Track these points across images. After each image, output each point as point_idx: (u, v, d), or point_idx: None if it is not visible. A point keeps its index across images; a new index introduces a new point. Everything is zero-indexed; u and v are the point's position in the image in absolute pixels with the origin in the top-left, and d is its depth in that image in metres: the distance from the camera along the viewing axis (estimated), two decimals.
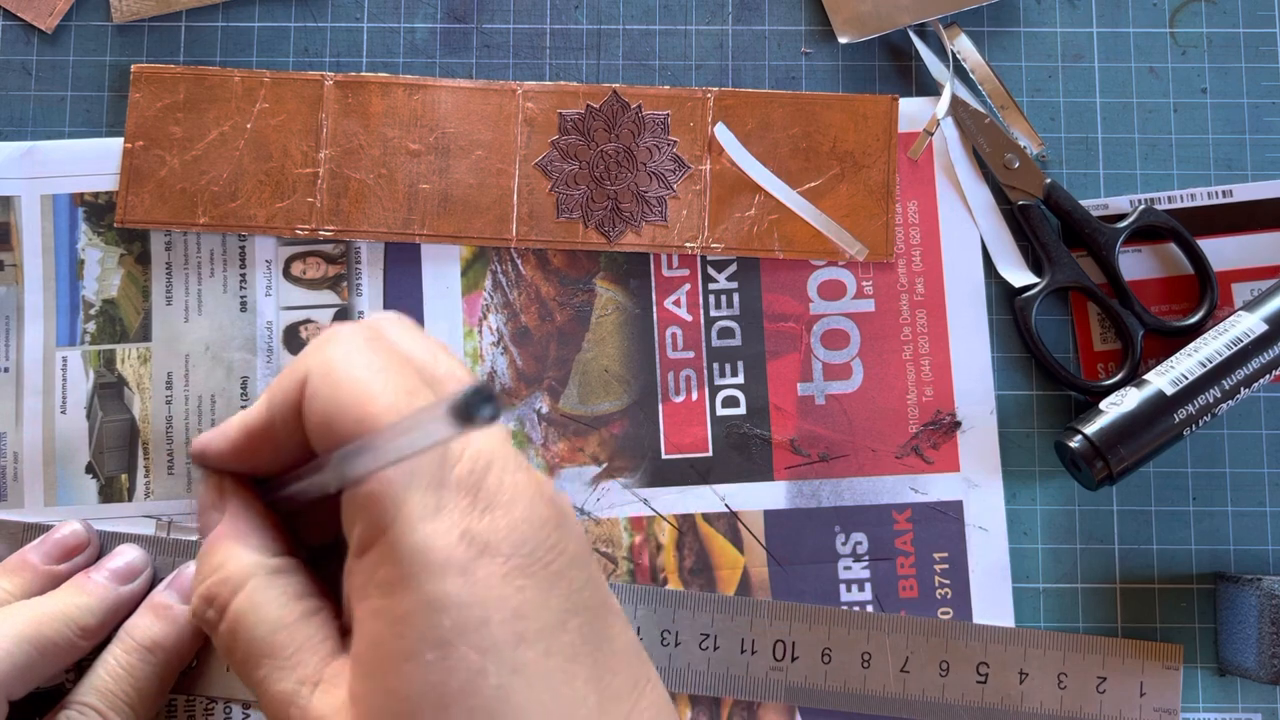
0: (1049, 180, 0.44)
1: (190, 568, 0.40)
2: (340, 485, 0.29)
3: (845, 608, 0.43)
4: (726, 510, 0.43)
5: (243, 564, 0.31)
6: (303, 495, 0.31)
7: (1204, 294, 0.44)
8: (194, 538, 0.42)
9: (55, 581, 0.40)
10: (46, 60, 0.45)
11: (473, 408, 0.22)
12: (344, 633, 0.30)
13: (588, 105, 0.45)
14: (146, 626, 0.39)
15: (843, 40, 0.45)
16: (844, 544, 0.43)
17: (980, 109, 0.45)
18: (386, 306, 0.44)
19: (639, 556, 0.43)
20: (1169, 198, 0.45)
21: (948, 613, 0.43)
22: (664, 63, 0.46)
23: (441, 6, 0.46)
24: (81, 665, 0.39)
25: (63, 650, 0.37)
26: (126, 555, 0.41)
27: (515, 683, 0.26)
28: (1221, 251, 0.44)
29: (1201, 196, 0.45)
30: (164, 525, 0.43)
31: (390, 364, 0.29)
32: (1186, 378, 0.41)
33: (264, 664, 0.29)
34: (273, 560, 0.31)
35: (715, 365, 0.44)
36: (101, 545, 0.42)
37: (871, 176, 0.44)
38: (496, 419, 0.23)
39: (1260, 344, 0.41)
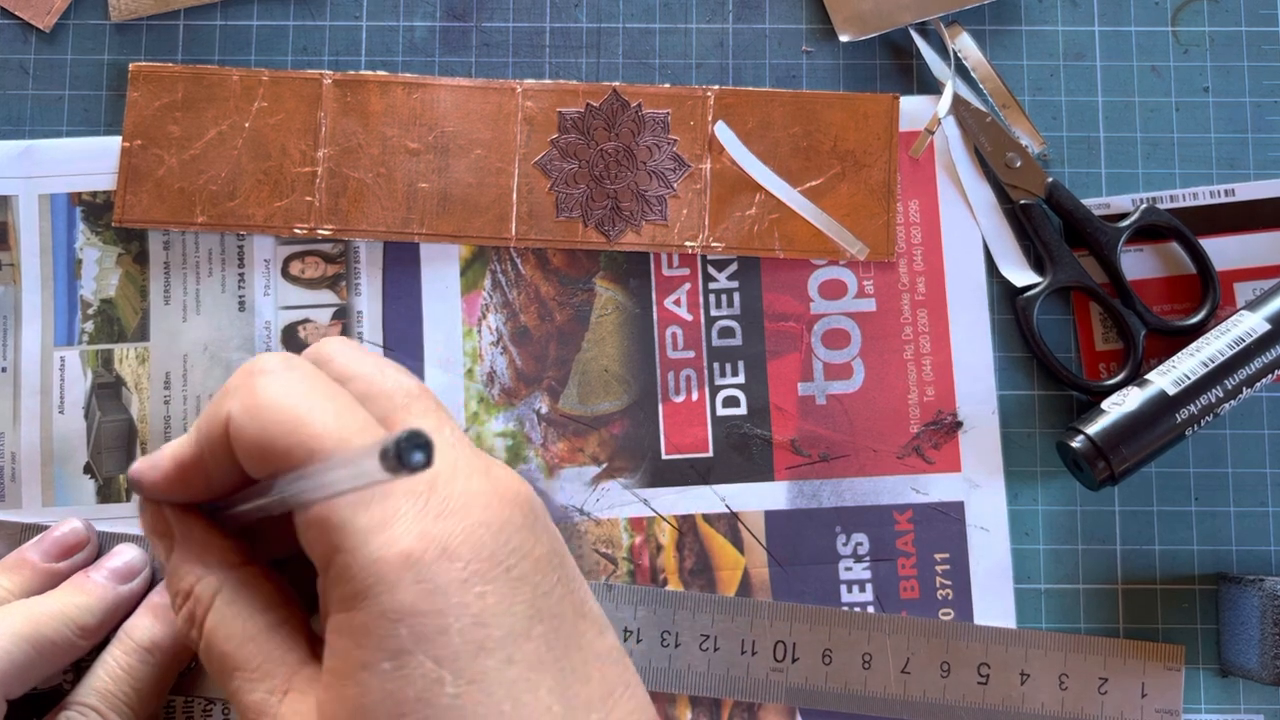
0: (1051, 179, 0.44)
1: None
2: (284, 510, 0.29)
3: (846, 609, 0.43)
4: (727, 511, 0.43)
5: (208, 582, 0.31)
6: (249, 517, 0.31)
7: (1206, 293, 0.44)
8: None
9: (54, 580, 0.40)
10: (44, 59, 0.45)
11: (404, 453, 0.22)
12: (316, 640, 0.30)
13: (587, 104, 0.44)
14: (146, 627, 0.39)
15: (843, 39, 0.45)
16: (845, 545, 0.43)
17: (982, 108, 0.45)
18: (385, 306, 0.44)
19: (639, 557, 0.43)
20: (1171, 197, 0.45)
21: (949, 614, 0.43)
22: (664, 61, 0.45)
23: (441, 5, 0.46)
24: (80, 666, 0.39)
25: (61, 649, 0.37)
26: (126, 555, 0.40)
27: (473, 692, 0.26)
28: (1224, 251, 0.44)
29: (1204, 195, 0.45)
30: None
31: (315, 389, 0.29)
32: (1189, 377, 0.41)
33: (235, 676, 0.30)
34: (237, 573, 0.31)
35: (715, 365, 0.44)
36: (100, 545, 0.41)
37: (872, 175, 0.44)
38: (429, 464, 0.22)
39: (1262, 344, 0.41)
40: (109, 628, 0.39)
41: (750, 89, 0.45)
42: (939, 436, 0.44)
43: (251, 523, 0.32)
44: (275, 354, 0.31)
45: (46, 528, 0.41)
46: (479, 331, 0.44)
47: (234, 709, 0.30)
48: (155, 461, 0.32)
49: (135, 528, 0.42)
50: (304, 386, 0.29)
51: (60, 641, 0.37)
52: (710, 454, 0.44)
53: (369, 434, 0.29)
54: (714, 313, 0.44)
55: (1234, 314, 0.42)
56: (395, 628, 0.26)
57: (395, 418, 0.30)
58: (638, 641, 0.42)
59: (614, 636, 0.30)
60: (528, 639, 0.27)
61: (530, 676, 0.27)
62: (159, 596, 0.40)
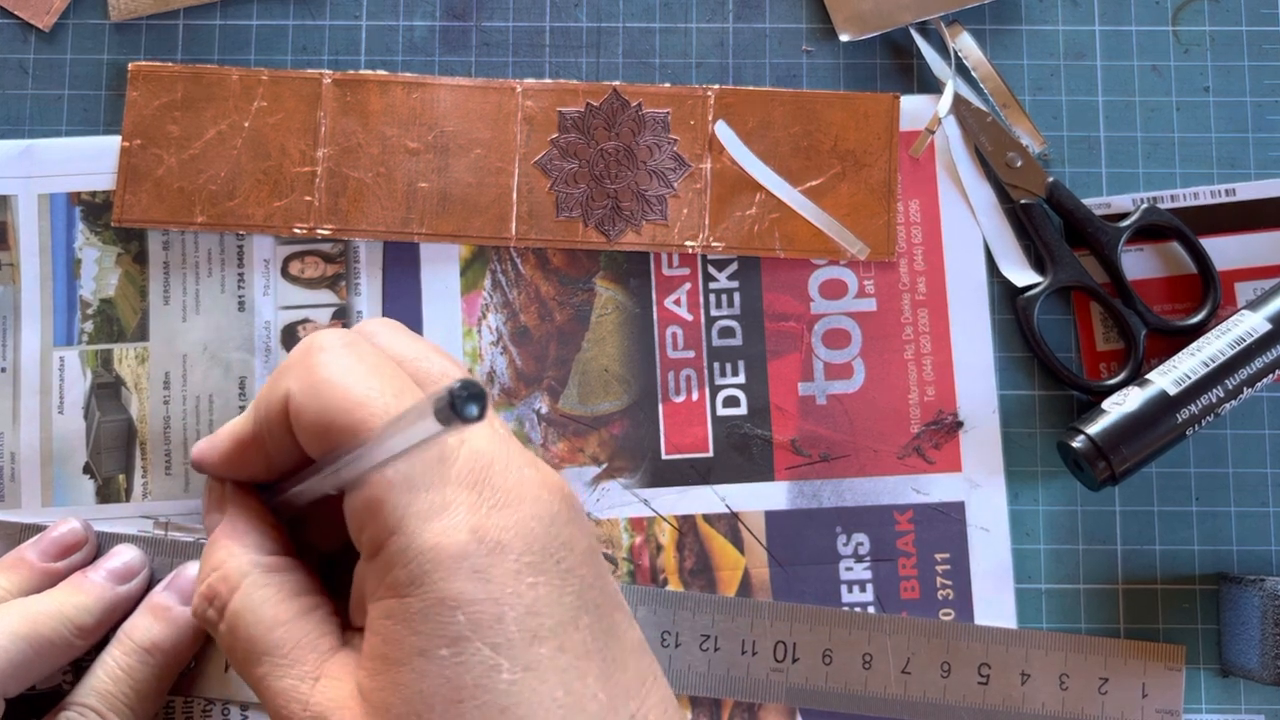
0: (1051, 179, 0.44)
1: (189, 568, 0.40)
2: (338, 488, 0.29)
3: (846, 609, 0.43)
4: (727, 511, 0.43)
5: (240, 563, 0.31)
6: (302, 498, 0.31)
7: (1207, 293, 0.44)
8: (192, 539, 0.42)
9: (52, 579, 0.40)
10: (44, 59, 0.45)
11: (458, 404, 0.22)
12: (344, 629, 0.30)
13: (587, 103, 0.44)
14: (145, 627, 0.39)
15: (844, 38, 0.45)
16: (845, 545, 0.43)
17: (982, 107, 0.44)
18: (385, 306, 0.44)
19: (639, 557, 0.43)
20: (1172, 196, 0.45)
21: (949, 614, 0.43)
22: (664, 61, 0.45)
23: (440, 4, 0.45)
24: (80, 666, 0.39)
25: (59, 649, 0.37)
26: (124, 555, 0.40)
27: (528, 679, 0.27)
28: (1224, 251, 0.44)
29: (1204, 195, 0.45)
30: (162, 525, 0.42)
31: (375, 367, 0.29)
32: (1189, 377, 0.41)
33: (263, 661, 0.29)
34: (269, 559, 0.32)
35: (716, 365, 0.44)
36: (99, 545, 0.41)
37: (873, 175, 0.44)
38: (483, 416, 0.23)
39: (1263, 343, 0.41)
40: (106, 628, 0.39)
41: (750, 88, 0.45)
42: (939, 436, 0.44)
43: (301, 509, 0.32)
44: (333, 330, 0.31)
45: (45, 528, 0.41)
46: (479, 331, 0.44)
47: (260, 696, 0.30)
48: (215, 441, 0.33)
49: (134, 528, 0.42)
50: (364, 364, 0.29)
51: (58, 641, 0.37)
52: (710, 454, 0.44)
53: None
54: (714, 313, 0.44)
55: (1235, 314, 0.42)
56: (453, 614, 0.27)
57: None
58: None
59: (639, 627, 0.31)
60: (576, 629, 0.28)
61: (579, 665, 0.28)
62: (159, 597, 0.39)
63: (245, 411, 0.32)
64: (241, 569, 0.31)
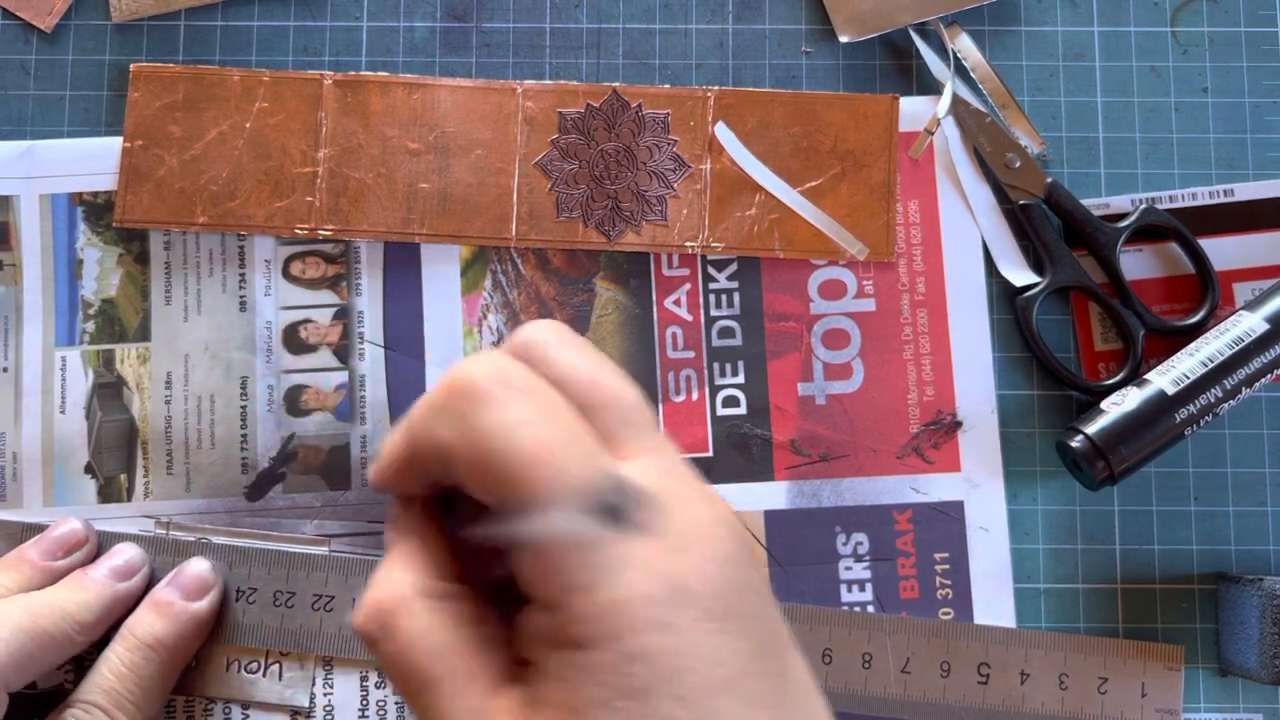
0: (1050, 179, 0.44)
1: (191, 565, 0.41)
2: (505, 543, 0.28)
3: (846, 609, 0.43)
4: None
5: (412, 585, 0.30)
6: (477, 539, 0.31)
7: (1205, 293, 0.44)
8: (193, 538, 0.42)
9: (53, 578, 0.40)
10: (45, 59, 0.45)
11: (623, 513, 0.22)
12: (513, 662, 0.29)
13: (588, 104, 0.44)
14: (149, 624, 0.39)
15: (843, 39, 0.45)
16: (845, 544, 0.43)
17: (981, 108, 0.45)
18: (386, 307, 0.44)
19: None
20: (1170, 197, 0.45)
21: (949, 613, 0.43)
22: (664, 62, 0.45)
23: (441, 5, 0.46)
24: (82, 666, 0.39)
25: (59, 644, 0.37)
26: (126, 553, 0.41)
27: None
28: (1223, 251, 0.44)
29: (1203, 196, 0.45)
30: (163, 525, 0.42)
31: (538, 415, 0.28)
32: (1188, 377, 0.41)
33: (430, 689, 0.28)
34: (442, 584, 0.30)
35: (715, 365, 0.44)
36: (100, 545, 0.41)
37: (872, 176, 0.44)
38: (635, 519, 0.22)
39: (1261, 344, 0.41)
40: (107, 625, 0.39)
41: (750, 89, 0.45)
42: (939, 436, 0.44)
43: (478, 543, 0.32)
44: (486, 365, 0.28)
45: (46, 527, 0.41)
46: (479, 331, 0.44)
47: None
48: (385, 463, 0.31)
49: (135, 527, 0.42)
50: (526, 414, 0.27)
51: (58, 636, 0.37)
52: (710, 454, 0.44)
53: (591, 468, 0.27)
54: (714, 313, 0.44)
55: (1233, 314, 0.42)
56: (635, 666, 0.26)
57: (619, 438, 0.29)
58: None
59: (804, 660, 0.30)
60: (755, 676, 0.27)
61: (758, 714, 0.27)
62: (162, 593, 0.40)
63: (398, 433, 0.31)
64: (413, 591, 0.30)
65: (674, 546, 0.27)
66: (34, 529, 0.42)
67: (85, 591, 0.39)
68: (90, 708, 0.37)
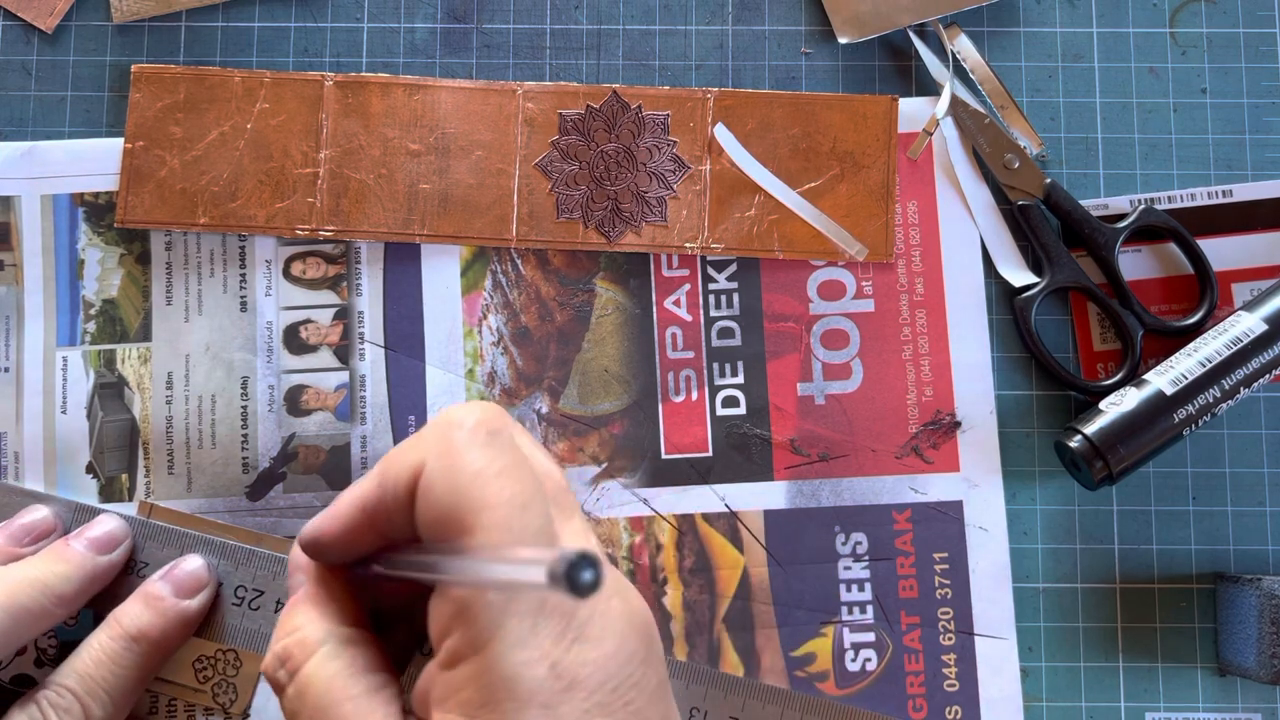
0: (1049, 180, 0.44)
1: (187, 561, 0.40)
2: (431, 582, 0.28)
3: (845, 608, 0.43)
4: (726, 510, 0.43)
5: (318, 630, 0.31)
6: (391, 576, 0.31)
7: (1204, 294, 0.44)
8: (193, 531, 0.42)
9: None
10: (46, 60, 0.45)
11: (575, 576, 0.22)
12: (406, 711, 0.30)
13: (588, 105, 0.45)
14: (135, 615, 0.38)
15: (842, 40, 0.45)
16: (844, 544, 0.43)
17: (980, 109, 0.45)
18: (386, 307, 0.44)
19: (639, 556, 0.43)
20: (1169, 198, 0.45)
21: (948, 612, 0.43)
22: (664, 63, 0.46)
23: (441, 6, 0.46)
24: (62, 656, 0.39)
25: (37, 617, 0.37)
26: (107, 525, 0.40)
27: None
28: (1221, 251, 0.44)
29: (1201, 196, 0.45)
30: (145, 509, 0.42)
31: (512, 467, 0.29)
32: (1186, 377, 0.41)
33: None
34: (347, 630, 0.31)
35: (715, 365, 0.44)
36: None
37: (871, 176, 0.44)
38: (596, 590, 0.22)
39: (1260, 344, 0.41)
40: (87, 597, 0.39)
41: (749, 91, 0.45)
42: (937, 436, 0.44)
43: (383, 582, 0.32)
44: (479, 411, 0.30)
45: (46, 496, 0.41)
46: (479, 332, 0.44)
47: None
48: (336, 511, 0.32)
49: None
50: (503, 461, 0.29)
51: (35, 609, 0.37)
52: (710, 454, 0.44)
53: (545, 532, 0.28)
54: (713, 313, 0.44)
55: (1231, 314, 0.42)
56: None
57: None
58: None
59: None
60: None
61: None
62: (154, 586, 0.39)
63: (365, 477, 0.31)
64: (319, 637, 0.31)
65: (578, 634, 0.28)
66: (32, 496, 0.41)
67: (65, 563, 0.38)
68: (64, 691, 0.37)
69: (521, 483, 0.29)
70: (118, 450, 0.43)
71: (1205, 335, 0.42)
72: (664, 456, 0.44)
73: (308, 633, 0.31)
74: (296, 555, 0.33)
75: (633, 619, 0.29)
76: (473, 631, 0.27)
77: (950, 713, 0.42)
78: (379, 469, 0.31)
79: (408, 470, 0.29)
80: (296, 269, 0.44)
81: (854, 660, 0.43)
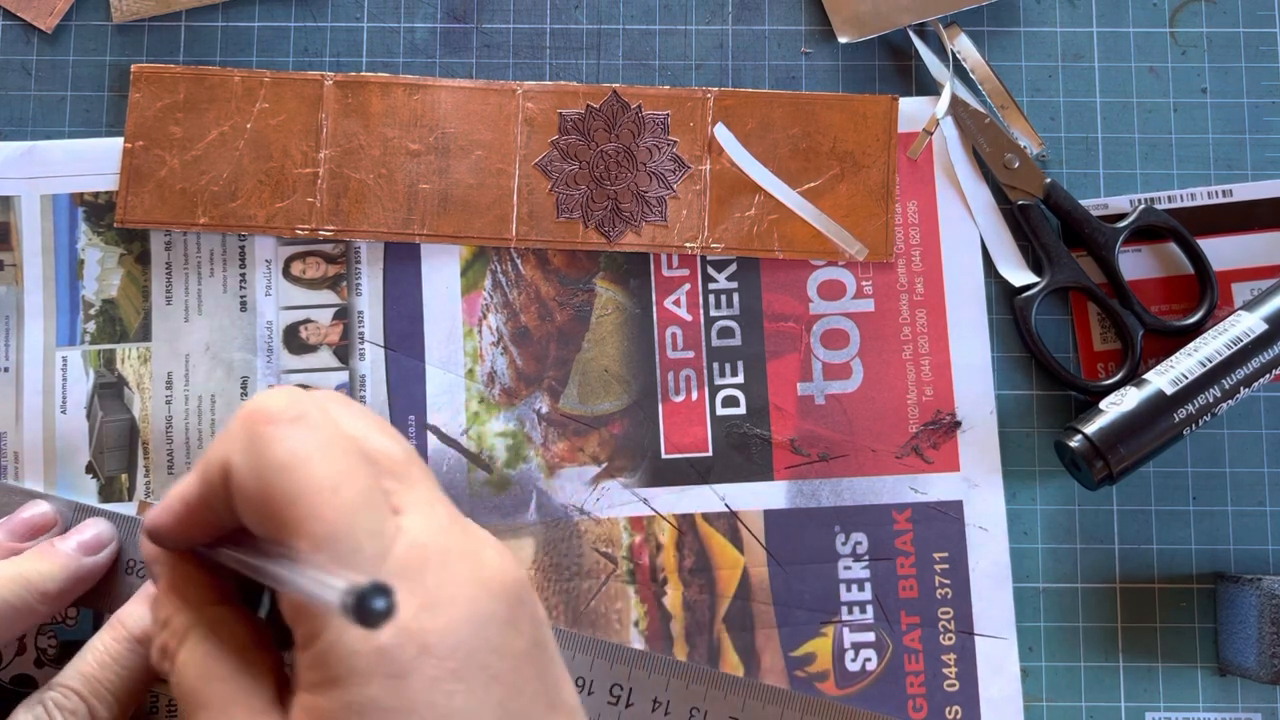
0: (1049, 180, 0.44)
1: None
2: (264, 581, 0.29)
3: (845, 608, 0.43)
4: (726, 510, 0.43)
5: (184, 618, 0.31)
6: (238, 568, 0.31)
7: (1204, 294, 0.44)
8: None
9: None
10: (46, 60, 0.45)
11: (365, 607, 0.22)
12: (284, 682, 0.30)
13: (588, 105, 0.45)
14: (139, 617, 0.38)
15: (842, 40, 0.45)
16: (844, 544, 0.43)
17: (980, 109, 0.45)
18: (386, 307, 0.44)
19: (639, 556, 0.43)
20: (1169, 197, 0.45)
21: (948, 612, 0.43)
22: (664, 63, 0.46)
23: (441, 6, 0.46)
24: (67, 656, 0.39)
25: (20, 614, 0.37)
26: (95, 527, 0.41)
27: None
28: (1221, 251, 0.44)
29: (1201, 196, 0.45)
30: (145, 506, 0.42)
31: (323, 450, 0.28)
32: (1186, 377, 0.41)
33: (199, 714, 0.29)
34: (214, 609, 0.31)
35: (715, 365, 0.44)
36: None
37: (871, 176, 0.44)
38: (390, 617, 0.22)
39: (1260, 343, 0.41)
40: (73, 596, 0.39)
41: (750, 90, 0.45)
42: (938, 436, 0.44)
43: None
44: (281, 398, 0.29)
45: (46, 496, 0.41)
46: (479, 331, 0.44)
47: None
48: (168, 505, 0.32)
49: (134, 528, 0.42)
50: (311, 447, 0.28)
51: (19, 605, 0.37)
52: (710, 453, 0.44)
53: (367, 509, 0.28)
54: (713, 313, 0.44)
55: (1231, 314, 0.42)
56: (353, 717, 0.26)
57: (389, 492, 0.29)
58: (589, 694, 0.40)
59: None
60: None
61: None
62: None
63: (190, 472, 0.31)
64: (186, 623, 0.31)
65: (424, 600, 0.27)
66: (29, 494, 0.41)
67: (50, 562, 0.39)
68: (69, 693, 0.37)
69: (330, 465, 0.28)
70: (117, 450, 0.43)
71: (1205, 335, 0.42)
72: (664, 456, 0.44)
73: (175, 622, 0.31)
74: (147, 546, 0.33)
75: (487, 582, 0.28)
76: (311, 616, 0.27)
77: (950, 713, 0.42)
78: (200, 464, 0.30)
79: (217, 468, 0.29)
80: (296, 269, 0.44)
81: (854, 660, 0.43)
